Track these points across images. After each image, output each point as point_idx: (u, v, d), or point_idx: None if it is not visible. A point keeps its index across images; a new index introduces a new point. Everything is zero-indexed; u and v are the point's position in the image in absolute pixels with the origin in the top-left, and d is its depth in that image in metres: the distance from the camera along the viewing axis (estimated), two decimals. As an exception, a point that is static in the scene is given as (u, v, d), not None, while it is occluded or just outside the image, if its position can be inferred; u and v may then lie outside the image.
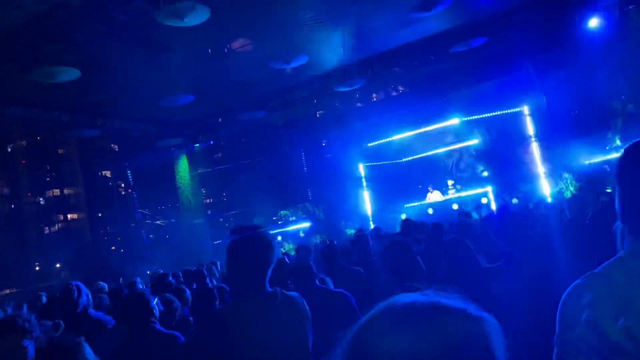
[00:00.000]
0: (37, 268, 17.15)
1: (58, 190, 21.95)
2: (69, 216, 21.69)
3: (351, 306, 3.47)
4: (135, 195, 20.87)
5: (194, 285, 5.81)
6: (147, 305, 3.16)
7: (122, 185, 23.81)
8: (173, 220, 21.24)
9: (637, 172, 1.31)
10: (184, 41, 9.03)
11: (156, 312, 3.28)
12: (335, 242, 5.32)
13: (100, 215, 21.90)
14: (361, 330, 0.78)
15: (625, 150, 1.37)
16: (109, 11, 7.44)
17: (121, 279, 10.30)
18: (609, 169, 10.69)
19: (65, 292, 3.51)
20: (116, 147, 21.09)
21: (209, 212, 19.82)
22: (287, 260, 4.90)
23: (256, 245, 2.15)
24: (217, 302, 4.23)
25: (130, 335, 3.03)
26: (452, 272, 3.90)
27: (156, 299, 3.49)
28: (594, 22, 10.44)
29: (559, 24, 11.14)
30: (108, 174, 22.45)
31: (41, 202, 22.82)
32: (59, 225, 21.66)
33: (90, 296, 3.77)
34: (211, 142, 15.77)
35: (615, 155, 11.45)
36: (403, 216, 14.59)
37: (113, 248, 21.31)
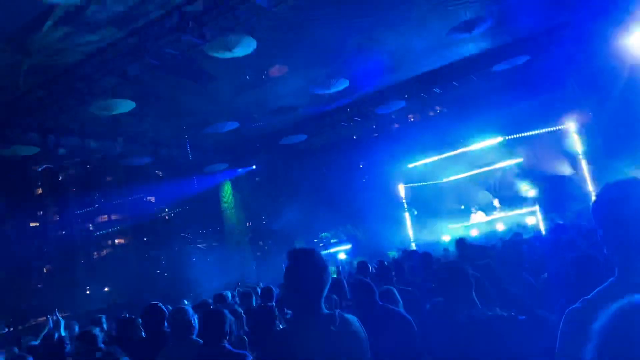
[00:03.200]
0: (88, 292, 17.69)
1: (106, 216, 22.69)
2: (116, 241, 22.32)
3: (412, 328, 3.48)
4: (178, 220, 21.26)
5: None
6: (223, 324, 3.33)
7: (166, 210, 24.29)
8: (215, 244, 21.53)
9: (611, 214, 1.45)
10: (230, 70, 9.37)
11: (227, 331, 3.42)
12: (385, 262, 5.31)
13: (145, 239, 22.38)
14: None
15: (598, 195, 1.50)
16: (160, 47, 7.81)
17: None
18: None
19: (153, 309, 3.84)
20: (161, 173, 21.64)
21: (250, 235, 20.06)
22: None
23: (310, 267, 2.20)
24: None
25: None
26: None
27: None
28: (637, 37, 10.19)
29: (601, 40, 10.92)
30: (152, 199, 23.00)
31: (90, 229, 23.56)
32: (107, 250, 22.32)
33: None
34: (253, 166, 16.08)
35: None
36: (446, 238, 14.40)
37: (158, 272, 21.67)
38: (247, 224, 19.49)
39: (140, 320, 4.54)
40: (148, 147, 12.19)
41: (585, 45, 10.72)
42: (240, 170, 15.71)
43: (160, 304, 4.18)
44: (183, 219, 21.56)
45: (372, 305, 3.65)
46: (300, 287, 2.22)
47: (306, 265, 2.22)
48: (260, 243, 21.13)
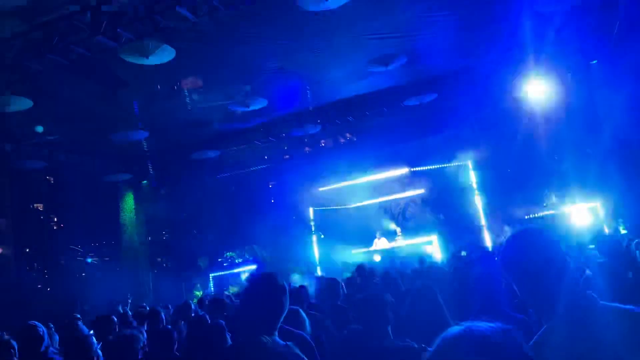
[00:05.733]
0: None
1: (-17, 222, 20.28)
2: (-7, 250, 20.03)
3: (312, 350, 3.47)
4: (67, 231, 19.69)
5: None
6: (89, 351, 3.09)
7: (55, 219, 22.39)
8: (107, 259, 20.20)
9: (519, 266, 1.51)
10: (144, 78, 8.94)
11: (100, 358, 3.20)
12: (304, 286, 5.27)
13: (27, 250, 20.35)
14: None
15: (503, 249, 1.59)
16: (68, 44, 7.26)
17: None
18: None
19: (29, 330, 3.33)
20: (52, 179, 20.03)
21: (149, 250, 19.04)
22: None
23: (270, 293, 2.18)
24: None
25: None
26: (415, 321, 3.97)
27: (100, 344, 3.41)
28: (533, 86, 11.34)
29: (501, 85, 11.99)
30: (40, 207, 21.07)
31: (-38, 235, 20.98)
32: (-19, 260, 19.95)
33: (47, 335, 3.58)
34: (160, 179, 15.37)
35: (551, 212, 12.27)
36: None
37: (39, 286, 19.82)
38: (148, 238, 18.52)
39: (14, 343, 4.00)
40: (43, 150, 11.18)
41: (485, 88, 11.70)
42: (145, 182, 14.92)
43: (38, 324, 3.65)
44: (74, 230, 20.01)
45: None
46: (257, 312, 2.17)
47: (268, 290, 2.19)
48: (159, 260, 20.12)
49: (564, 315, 1.46)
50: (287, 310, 2.21)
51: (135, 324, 6.18)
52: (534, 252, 1.49)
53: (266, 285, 2.22)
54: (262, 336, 2.12)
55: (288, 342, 2.18)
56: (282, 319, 2.19)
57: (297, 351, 2.14)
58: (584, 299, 1.47)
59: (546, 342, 1.44)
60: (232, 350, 2.24)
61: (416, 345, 2.84)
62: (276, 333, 2.17)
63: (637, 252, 3.44)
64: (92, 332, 4.90)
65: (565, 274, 1.47)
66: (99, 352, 3.23)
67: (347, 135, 15.93)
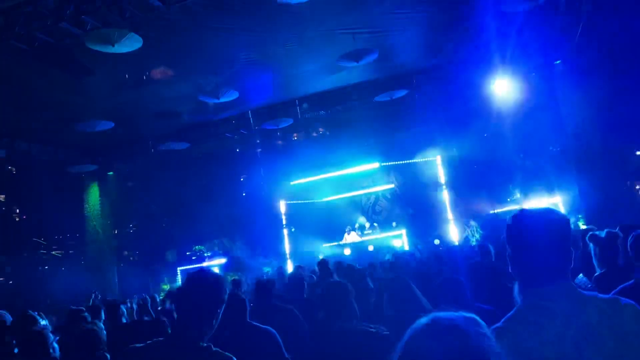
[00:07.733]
0: None
1: (-60, 213, 19.45)
2: (-50, 243, 19.25)
3: (277, 344, 3.51)
4: (30, 223, 19.18)
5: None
6: (45, 346, 3.05)
7: (17, 211, 21.78)
8: (71, 252, 19.78)
9: (521, 238, 1.56)
10: (111, 67, 8.74)
11: (56, 352, 3.16)
12: (268, 279, 5.28)
13: (-12, 242, 19.67)
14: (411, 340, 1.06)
15: (512, 218, 1.61)
16: (31, 31, 7.04)
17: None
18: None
19: None
20: (13, 169, 19.44)
21: (116, 244, 18.66)
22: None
23: (204, 294, 2.07)
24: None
25: None
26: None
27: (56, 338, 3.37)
28: (499, 85, 11.60)
29: (469, 84, 12.21)
30: (2, 198, 20.42)
31: None
32: (-62, 252, 19.15)
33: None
34: (126, 170, 15.07)
35: (515, 207, 12.59)
36: (321, 256, 14.79)
37: (1, 279, 19.29)
38: (114, 231, 18.14)
39: None
40: (3, 140, 10.82)
41: (454, 86, 11.90)
42: (111, 173, 14.62)
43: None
44: (37, 222, 19.47)
45: (242, 323, 3.60)
46: (183, 313, 2.08)
47: (197, 292, 2.07)
48: (126, 253, 19.78)
49: (533, 300, 1.50)
50: (215, 316, 2.06)
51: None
52: (547, 225, 1.53)
53: (198, 287, 2.09)
54: (186, 344, 2.02)
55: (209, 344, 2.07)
56: (206, 325, 2.05)
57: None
58: (562, 286, 1.50)
59: (509, 328, 1.48)
60: None
61: (374, 329, 2.91)
62: (200, 339, 2.05)
63: (591, 244, 3.60)
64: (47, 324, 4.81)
65: (564, 258, 1.52)
66: (55, 345, 3.18)
67: (319, 129, 15.94)
